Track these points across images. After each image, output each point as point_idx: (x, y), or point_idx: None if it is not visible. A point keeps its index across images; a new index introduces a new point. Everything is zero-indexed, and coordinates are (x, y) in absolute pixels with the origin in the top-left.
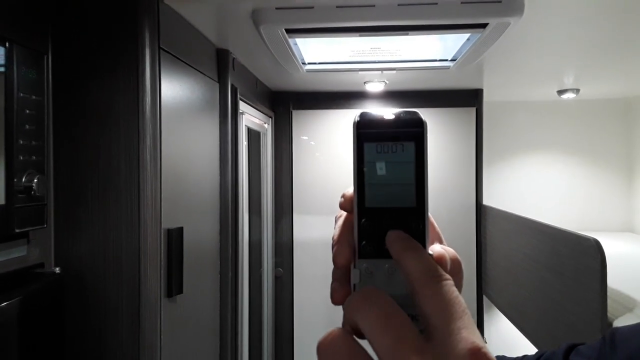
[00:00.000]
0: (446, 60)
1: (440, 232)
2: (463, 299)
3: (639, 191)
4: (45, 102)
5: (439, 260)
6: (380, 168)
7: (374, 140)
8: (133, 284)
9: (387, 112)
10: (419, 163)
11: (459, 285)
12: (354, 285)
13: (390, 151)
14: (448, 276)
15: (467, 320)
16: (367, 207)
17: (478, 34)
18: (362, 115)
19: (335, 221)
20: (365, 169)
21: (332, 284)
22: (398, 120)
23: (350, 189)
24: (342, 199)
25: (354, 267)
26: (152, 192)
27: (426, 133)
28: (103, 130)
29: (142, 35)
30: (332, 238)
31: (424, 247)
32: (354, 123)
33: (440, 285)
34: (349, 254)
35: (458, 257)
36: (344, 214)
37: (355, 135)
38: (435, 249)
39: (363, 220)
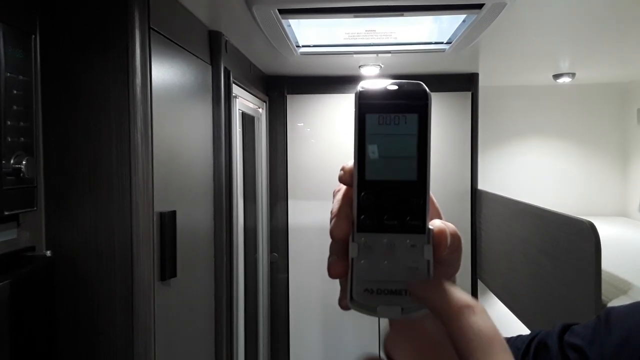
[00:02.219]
0: (442, 43)
1: (439, 209)
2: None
3: (633, 176)
4: (33, 82)
5: (440, 234)
6: (382, 140)
7: (376, 111)
8: (126, 267)
9: (391, 82)
10: (421, 136)
11: (458, 260)
12: (352, 259)
13: (392, 123)
14: (474, 305)
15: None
16: (367, 180)
17: (474, 15)
18: (364, 85)
19: (334, 195)
20: (366, 141)
21: (329, 257)
22: (401, 92)
23: (350, 162)
24: (342, 172)
25: (353, 240)
26: (143, 174)
27: (430, 105)
28: (93, 112)
29: (132, 14)
30: (331, 211)
31: (424, 220)
32: (356, 93)
33: (465, 318)
34: (348, 227)
35: (458, 232)
36: (343, 187)
37: (357, 106)
38: (435, 223)
39: (363, 193)
